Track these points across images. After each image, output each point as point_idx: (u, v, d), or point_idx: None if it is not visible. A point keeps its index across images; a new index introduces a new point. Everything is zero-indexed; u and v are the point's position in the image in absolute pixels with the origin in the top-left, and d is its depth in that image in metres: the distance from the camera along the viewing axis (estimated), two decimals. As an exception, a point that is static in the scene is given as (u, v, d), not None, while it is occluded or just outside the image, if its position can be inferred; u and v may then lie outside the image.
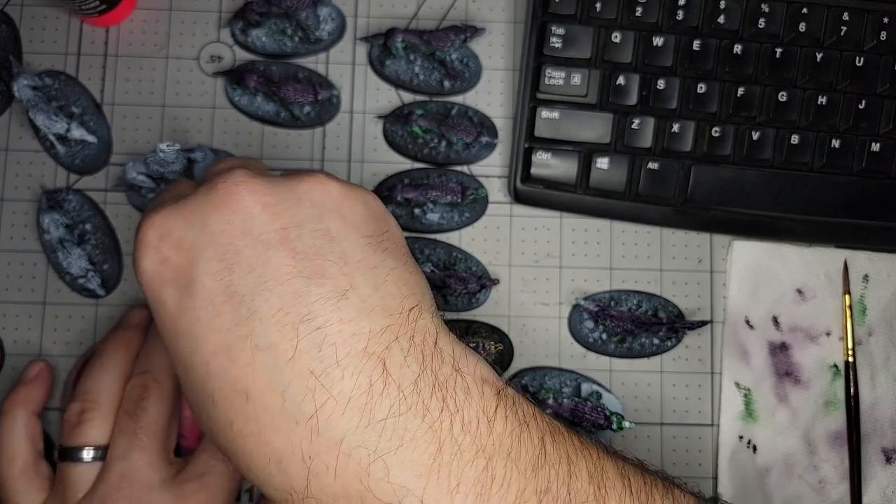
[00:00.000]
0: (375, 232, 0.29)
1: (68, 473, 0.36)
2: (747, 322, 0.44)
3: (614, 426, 0.41)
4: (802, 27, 0.43)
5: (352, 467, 0.25)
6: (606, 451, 0.29)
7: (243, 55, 0.45)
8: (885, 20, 0.43)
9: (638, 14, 0.43)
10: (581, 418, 0.41)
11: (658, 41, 0.43)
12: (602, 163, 0.43)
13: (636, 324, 0.43)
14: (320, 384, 0.25)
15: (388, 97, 0.45)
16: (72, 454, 0.36)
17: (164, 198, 0.31)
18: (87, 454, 0.36)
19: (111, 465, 0.36)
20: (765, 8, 0.43)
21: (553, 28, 0.43)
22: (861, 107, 0.43)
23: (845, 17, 0.43)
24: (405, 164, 0.45)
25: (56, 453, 0.37)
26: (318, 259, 0.27)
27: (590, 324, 0.43)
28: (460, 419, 0.26)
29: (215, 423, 0.27)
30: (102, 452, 0.36)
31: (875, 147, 0.43)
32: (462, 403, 0.26)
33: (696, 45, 0.43)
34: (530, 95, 0.43)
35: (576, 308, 0.44)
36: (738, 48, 0.43)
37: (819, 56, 0.43)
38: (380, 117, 0.44)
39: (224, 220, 0.27)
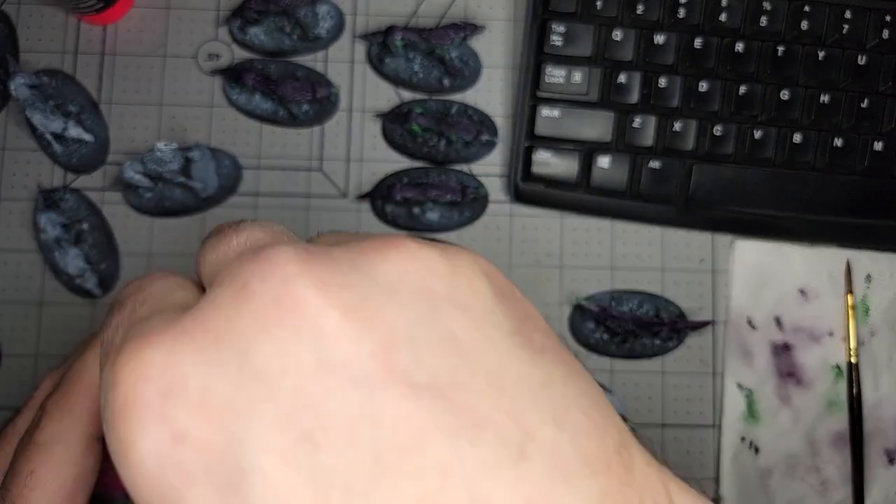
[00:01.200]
0: (516, 321, 0.17)
1: None
2: (749, 322, 0.44)
3: (615, 427, 0.41)
4: (804, 25, 0.42)
5: None
6: None
7: (241, 53, 0.45)
8: (888, 18, 0.43)
9: (639, 12, 0.42)
10: (582, 419, 0.41)
11: (659, 39, 0.42)
12: (603, 161, 0.43)
13: (637, 324, 0.42)
14: None
15: (387, 95, 0.45)
16: None
17: (141, 309, 0.18)
18: None
19: None
20: (766, 6, 0.42)
21: (553, 26, 0.43)
22: (863, 105, 0.42)
23: (847, 15, 0.43)
24: (404, 163, 0.44)
25: None
26: (455, 392, 0.15)
27: (591, 324, 0.43)
28: None
29: None
30: None
31: (878, 146, 0.42)
32: None
33: (697, 43, 0.42)
34: (531, 93, 0.43)
35: (577, 308, 0.43)
36: (739, 46, 0.42)
37: (821, 54, 0.43)
38: (379, 116, 0.44)
39: (280, 349, 0.15)
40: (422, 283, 0.16)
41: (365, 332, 0.15)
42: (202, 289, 0.19)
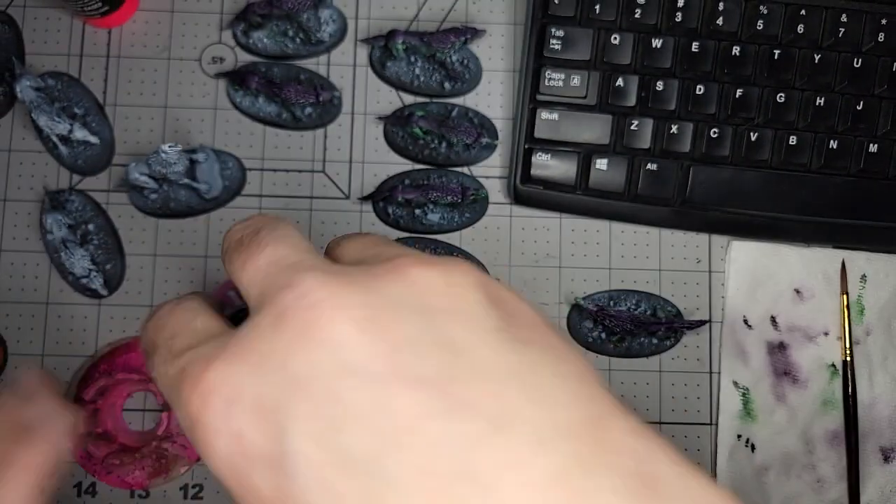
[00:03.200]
0: (504, 321, 0.21)
1: None
2: (745, 322, 0.44)
3: (613, 425, 0.41)
4: (801, 29, 0.43)
5: None
6: None
7: (245, 57, 0.45)
8: (883, 21, 0.43)
9: (637, 16, 0.43)
10: (580, 417, 0.42)
11: (657, 43, 0.43)
12: (601, 164, 0.43)
13: (635, 323, 0.43)
14: None
15: (389, 98, 0.45)
16: None
17: (176, 344, 0.22)
18: None
19: None
20: (763, 10, 0.43)
21: (553, 30, 0.43)
22: (859, 108, 0.43)
23: (843, 18, 0.43)
24: (406, 165, 0.45)
25: None
26: (451, 384, 0.19)
27: (589, 323, 0.44)
28: None
29: None
30: None
31: (872, 148, 0.43)
32: None
33: (694, 46, 0.43)
34: (530, 97, 0.43)
35: (575, 308, 0.44)
36: (736, 50, 0.43)
37: (817, 57, 0.43)
38: (380, 118, 0.45)
39: (311, 359, 0.19)
40: (421, 300, 0.20)
41: (375, 341, 0.19)
42: (211, 303, 0.24)
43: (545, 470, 0.18)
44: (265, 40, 0.45)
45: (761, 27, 0.43)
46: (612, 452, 0.18)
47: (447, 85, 0.45)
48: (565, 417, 0.19)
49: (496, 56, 0.45)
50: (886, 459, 0.43)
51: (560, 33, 0.43)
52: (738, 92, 0.43)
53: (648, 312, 0.44)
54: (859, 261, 0.44)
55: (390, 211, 0.44)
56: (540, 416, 0.19)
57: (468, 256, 0.44)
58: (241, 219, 0.26)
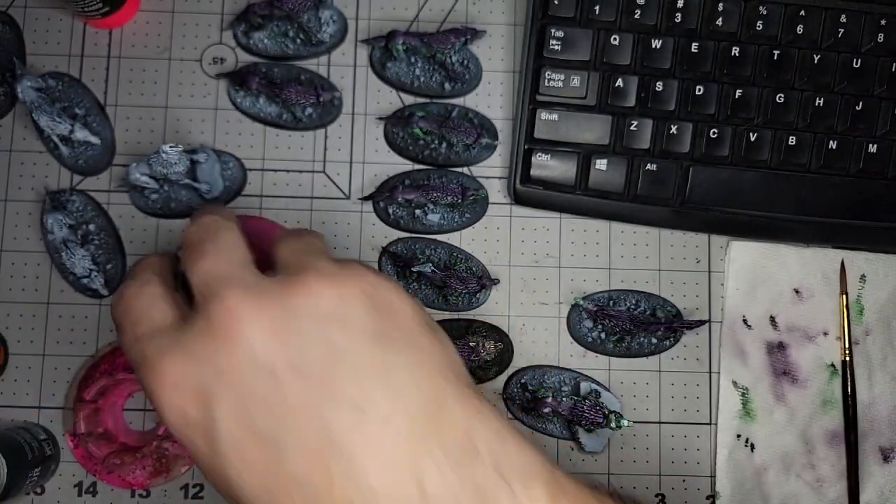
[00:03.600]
0: (380, 324, 0.27)
1: None
2: (745, 322, 0.44)
3: (613, 424, 0.41)
4: (800, 29, 0.43)
5: None
6: None
7: (245, 57, 0.45)
8: (883, 22, 0.43)
9: (636, 16, 0.43)
10: (580, 416, 0.42)
11: (656, 43, 0.43)
12: (601, 164, 0.43)
13: (634, 323, 0.43)
14: None
15: (389, 99, 0.45)
16: None
17: (138, 330, 0.28)
18: None
19: None
20: (763, 10, 0.43)
21: (552, 30, 0.43)
22: (858, 108, 0.43)
23: (843, 19, 0.43)
24: (406, 165, 0.45)
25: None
26: (328, 380, 0.25)
27: (588, 323, 0.44)
28: None
29: None
30: None
31: (872, 148, 0.43)
32: None
33: (694, 47, 0.43)
34: (530, 97, 0.44)
35: (575, 308, 0.44)
36: (735, 50, 0.43)
37: (816, 58, 0.43)
38: (381, 119, 0.45)
39: (229, 357, 0.26)
40: (314, 309, 0.26)
41: (276, 344, 0.26)
42: (173, 282, 0.31)
43: (391, 442, 0.25)
44: (266, 41, 0.45)
45: (761, 28, 0.43)
46: (445, 429, 0.26)
47: (447, 85, 0.45)
48: (410, 405, 0.26)
49: (496, 56, 0.46)
50: (886, 459, 0.43)
51: (560, 34, 0.43)
52: (738, 92, 0.43)
53: (648, 312, 0.44)
54: (858, 261, 0.44)
55: (390, 211, 0.44)
56: (391, 403, 0.25)
57: (468, 256, 0.44)
58: (196, 220, 0.31)
